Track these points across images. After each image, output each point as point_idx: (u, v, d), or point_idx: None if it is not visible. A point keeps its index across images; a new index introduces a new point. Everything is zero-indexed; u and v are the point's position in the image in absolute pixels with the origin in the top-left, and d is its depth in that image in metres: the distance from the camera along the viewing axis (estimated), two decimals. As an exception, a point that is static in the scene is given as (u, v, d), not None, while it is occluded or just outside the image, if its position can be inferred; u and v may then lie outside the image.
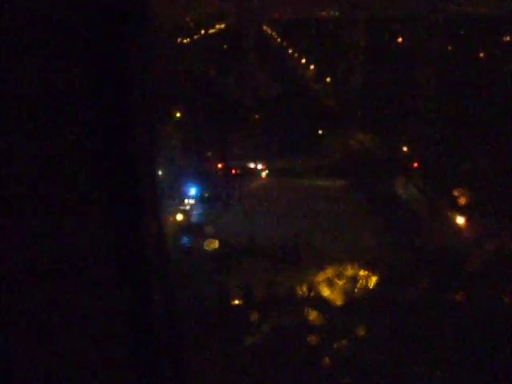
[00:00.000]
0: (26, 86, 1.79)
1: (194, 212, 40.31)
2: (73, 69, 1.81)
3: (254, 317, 26.33)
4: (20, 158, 1.82)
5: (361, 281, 29.69)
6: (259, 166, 47.99)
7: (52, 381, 2.01)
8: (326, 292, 29.03)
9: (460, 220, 37.44)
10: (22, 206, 1.84)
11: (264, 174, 47.67)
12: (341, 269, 30.57)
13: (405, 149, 49.69)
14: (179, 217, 38.19)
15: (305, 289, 29.23)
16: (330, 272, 30.19)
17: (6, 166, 1.79)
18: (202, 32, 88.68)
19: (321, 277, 29.90)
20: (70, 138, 1.82)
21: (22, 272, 1.89)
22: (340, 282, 29.44)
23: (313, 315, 26.49)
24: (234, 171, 47.24)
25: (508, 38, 78.47)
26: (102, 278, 1.94)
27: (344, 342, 24.25)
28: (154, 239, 2.08)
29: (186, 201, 40.81)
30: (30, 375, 1.96)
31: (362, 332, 24.70)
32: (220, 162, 47.93)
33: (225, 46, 75.72)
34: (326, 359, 23.05)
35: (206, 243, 34.11)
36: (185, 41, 79.37)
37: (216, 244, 34.16)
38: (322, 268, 30.55)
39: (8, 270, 1.85)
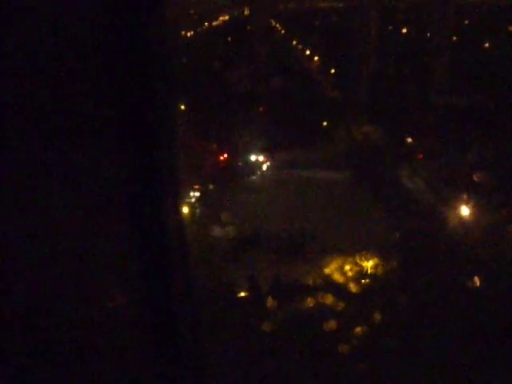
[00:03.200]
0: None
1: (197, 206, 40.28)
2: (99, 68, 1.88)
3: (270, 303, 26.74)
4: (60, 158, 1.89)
5: (367, 270, 29.88)
6: (261, 158, 47.91)
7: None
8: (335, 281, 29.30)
9: (465, 211, 37.42)
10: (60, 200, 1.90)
11: (266, 166, 47.60)
12: (347, 259, 30.77)
13: (409, 140, 49.59)
14: (184, 209, 38.16)
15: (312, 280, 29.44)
16: (336, 262, 30.37)
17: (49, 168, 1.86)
18: (206, 24, 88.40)
19: (328, 267, 30.09)
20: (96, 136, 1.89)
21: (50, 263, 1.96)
22: (348, 271, 29.65)
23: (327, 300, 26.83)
24: (235, 163, 47.20)
25: (513, 28, 78.01)
26: (126, 269, 2.02)
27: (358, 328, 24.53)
28: (175, 230, 2.16)
29: (192, 193, 40.80)
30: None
31: (373, 319, 24.96)
32: (223, 154, 47.89)
33: (229, 38, 75.54)
34: (341, 345, 23.30)
35: (221, 231, 34.09)
36: (188, 34, 79.18)
37: (231, 231, 34.24)
38: (328, 259, 30.73)
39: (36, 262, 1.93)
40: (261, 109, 57.96)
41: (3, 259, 1.94)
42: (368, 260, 30.85)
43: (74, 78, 1.93)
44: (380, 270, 30.09)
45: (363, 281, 29.47)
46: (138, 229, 2.02)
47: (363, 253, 31.24)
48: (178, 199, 2.18)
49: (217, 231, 34.84)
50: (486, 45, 70.85)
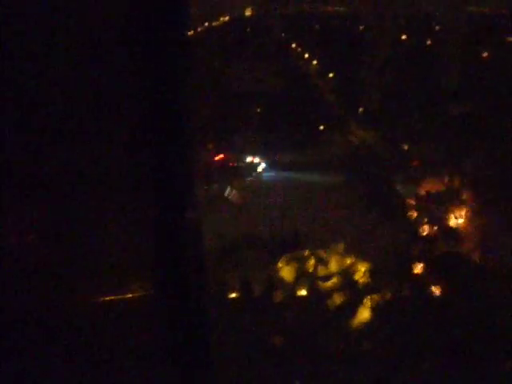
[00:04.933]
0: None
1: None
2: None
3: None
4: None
5: (360, 273, 29.99)
6: (256, 160, 47.90)
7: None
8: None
9: (459, 217, 37.59)
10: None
11: (261, 168, 47.59)
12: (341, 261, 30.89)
13: (406, 147, 49.70)
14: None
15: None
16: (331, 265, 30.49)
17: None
18: (206, 24, 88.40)
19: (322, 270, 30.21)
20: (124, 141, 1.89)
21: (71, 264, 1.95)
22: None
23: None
24: (231, 164, 47.17)
25: None
26: (143, 271, 2.01)
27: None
28: (192, 233, 2.15)
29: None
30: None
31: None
32: (218, 155, 47.85)
33: (228, 39, 75.51)
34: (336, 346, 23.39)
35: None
36: (188, 33, 78.95)
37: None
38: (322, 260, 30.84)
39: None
40: (258, 110, 57.98)
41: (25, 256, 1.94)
42: (362, 264, 30.98)
43: (102, 77, 1.93)
44: (374, 274, 30.19)
45: (357, 284, 29.58)
46: (159, 226, 2.01)
47: (357, 256, 31.37)
48: (196, 195, 2.18)
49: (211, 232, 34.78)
50: (484, 54, 71.05)
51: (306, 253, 32.13)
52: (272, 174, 46.88)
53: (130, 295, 2.11)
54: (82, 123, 1.96)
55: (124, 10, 1.93)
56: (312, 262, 31.40)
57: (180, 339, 2.25)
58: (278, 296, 28.53)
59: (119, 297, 2.09)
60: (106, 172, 2.00)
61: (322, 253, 32.10)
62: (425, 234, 35.25)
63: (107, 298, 2.05)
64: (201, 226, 2.27)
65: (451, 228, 35.88)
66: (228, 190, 35.92)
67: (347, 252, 32.04)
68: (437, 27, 72.20)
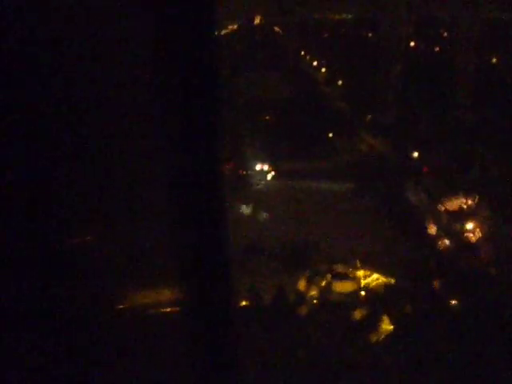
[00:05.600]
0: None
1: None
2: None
3: None
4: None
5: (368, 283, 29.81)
6: (265, 168, 47.86)
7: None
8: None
9: (469, 225, 37.35)
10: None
11: (270, 176, 47.56)
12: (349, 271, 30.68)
13: (415, 154, 49.54)
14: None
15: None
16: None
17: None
18: (215, 33, 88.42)
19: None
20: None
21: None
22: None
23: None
24: (241, 172, 47.17)
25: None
26: (168, 273, 1.95)
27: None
28: (219, 243, 2.09)
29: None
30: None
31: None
32: (229, 163, 47.83)
33: (237, 47, 75.78)
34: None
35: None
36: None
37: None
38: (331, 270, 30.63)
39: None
40: (267, 117, 58.04)
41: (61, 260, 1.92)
42: (371, 273, 30.81)
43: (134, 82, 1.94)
44: (383, 284, 30.00)
45: (365, 293, 29.39)
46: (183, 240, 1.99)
47: (367, 265, 31.19)
48: (225, 214, 2.17)
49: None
50: (494, 60, 70.86)
51: (322, 267, 31.93)
52: (282, 182, 46.82)
53: (158, 301, 2.07)
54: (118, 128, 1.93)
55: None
56: (328, 277, 31.12)
57: (206, 349, 2.21)
58: (293, 308, 28.33)
59: (147, 301, 2.05)
60: (138, 180, 1.97)
61: (338, 267, 31.87)
62: (442, 248, 34.88)
63: (135, 303, 2.02)
64: (228, 230, 2.21)
65: (469, 242, 35.56)
66: (244, 207, 35.93)
67: (363, 266, 31.76)
68: (445, 33, 72.01)
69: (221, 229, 2.13)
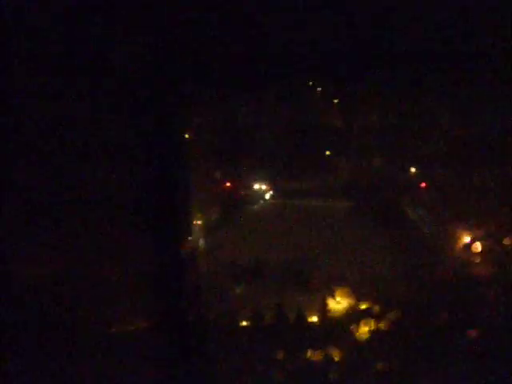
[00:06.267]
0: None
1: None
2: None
3: None
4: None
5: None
6: (263, 187, 47.88)
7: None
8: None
9: (467, 240, 37.33)
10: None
11: (268, 195, 47.55)
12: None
13: (413, 169, 49.57)
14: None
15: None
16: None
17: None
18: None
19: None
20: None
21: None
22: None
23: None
24: (239, 192, 47.16)
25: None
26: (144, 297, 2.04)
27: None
28: (189, 261, 2.19)
29: (194, 222, 40.61)
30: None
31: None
32: (227, 183, 47.83)
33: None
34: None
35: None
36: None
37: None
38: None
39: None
40: (263, 137, 58.02)
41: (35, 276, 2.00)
42: (370, 291, 30.76)
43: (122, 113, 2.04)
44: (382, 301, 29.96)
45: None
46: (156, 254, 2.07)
47: (366, 283, 31.15)
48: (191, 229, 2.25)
49: (219, 259, 34.69)
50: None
51: (321, 285, 31.91)
52: (280, 200, 46.82)
53: (131, 327, 2.17)
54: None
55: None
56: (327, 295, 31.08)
57: (180, 369, 2.30)
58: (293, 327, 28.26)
59: (120, 329, 2.15)
60: (107, 208, 2.08)
61: (337, 285, 31.84)
62: (442, 263, 34.79)
63: (109, 330, 2.11)
64: (196, 258, 2.32)
65: (469, 258, 35.50)
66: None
67: (361, 285, 31.69)
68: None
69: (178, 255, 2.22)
